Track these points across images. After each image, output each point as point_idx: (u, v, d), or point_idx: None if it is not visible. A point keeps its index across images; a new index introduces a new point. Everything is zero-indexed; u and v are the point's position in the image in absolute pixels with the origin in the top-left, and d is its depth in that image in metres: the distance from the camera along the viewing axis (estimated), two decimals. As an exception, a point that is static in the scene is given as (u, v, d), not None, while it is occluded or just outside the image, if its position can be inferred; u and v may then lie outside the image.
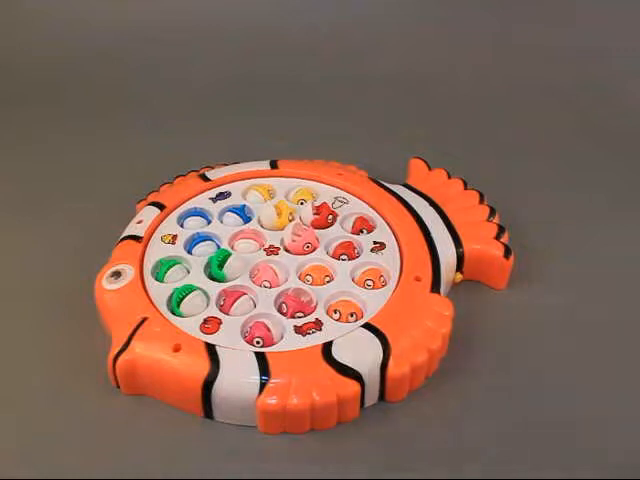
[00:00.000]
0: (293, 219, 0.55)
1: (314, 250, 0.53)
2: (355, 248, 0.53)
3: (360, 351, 0.44)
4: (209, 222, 0.56)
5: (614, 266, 0.57)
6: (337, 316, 0.47)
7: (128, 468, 0.42)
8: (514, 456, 0.43)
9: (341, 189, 0.59)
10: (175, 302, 0.48)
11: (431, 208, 0.57)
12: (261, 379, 0.43)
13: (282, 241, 0.53)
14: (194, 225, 0.56)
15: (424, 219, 0.56)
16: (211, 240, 0.54)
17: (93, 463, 0.42)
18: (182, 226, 0.56)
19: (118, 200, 0.62)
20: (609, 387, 0.47)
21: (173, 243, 0.54)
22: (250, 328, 0.46)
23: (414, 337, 0.46)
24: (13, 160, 0.72)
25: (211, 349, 0.44)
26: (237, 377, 0.43)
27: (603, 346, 0.50)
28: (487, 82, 0.86)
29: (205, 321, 0.47)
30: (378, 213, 0.57)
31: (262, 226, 0.55)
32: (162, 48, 0.90)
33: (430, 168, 0.63)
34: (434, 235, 0.54)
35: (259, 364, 0.43)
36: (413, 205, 0.57)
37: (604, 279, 0.56)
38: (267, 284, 0.50)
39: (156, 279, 0.50)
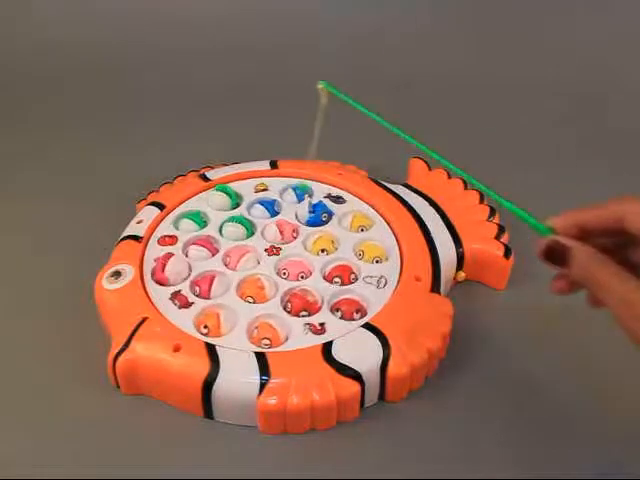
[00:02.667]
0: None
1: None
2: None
3: (360, 351, 0.44)
4: (300, 201, 0.57)
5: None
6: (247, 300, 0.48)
7: (128, 468, 0.42)
8: (514, 456, 0.43)
9: (341, 189, 0.59)
10: (185, 216, 0.55)
11: (431, 208, 0.57)
12: (261, 379, 0.43)
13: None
14: (290, 196, 0.58)
15: (424, 219, 0.56)
16: (269, 211, 0.56)
17: (93, 463, 0.42)
18: (283, 194, 0.59)
19: (118, 200, 0.62)
20: (610, 386, 0.47)
21: (257, 192, 0.58)
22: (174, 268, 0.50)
23: (414, 337, 0.46)
24: (13, 160, 0.72)
25: (211, 349, 0.44)
26: (237, 377, 0.43)
27: (603, 346, 0.50)
28: (488, 83, 0.86)
29: (164, 237, 0.54)
30: (378, 213, 0.57)
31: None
32: (163, 48, 0.90)
33: (430, 168, 0.63)
34: (434, 235, 0.54)
35: (259, 364, 0.43)
36: (413, 205, 0.57)
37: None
38: (227, 260, 0.52)
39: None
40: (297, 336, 0.46)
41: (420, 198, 0.58)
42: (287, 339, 0.46)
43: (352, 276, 0.50)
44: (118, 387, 0.46)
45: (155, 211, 0.56)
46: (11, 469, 0.42)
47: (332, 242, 0.53)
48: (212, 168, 0.63)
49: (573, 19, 0.89)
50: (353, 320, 0.47)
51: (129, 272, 0.50)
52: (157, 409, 0.45)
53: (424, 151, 0.45)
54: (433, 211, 0.57)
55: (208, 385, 0.43)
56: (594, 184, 0.67)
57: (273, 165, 0.62)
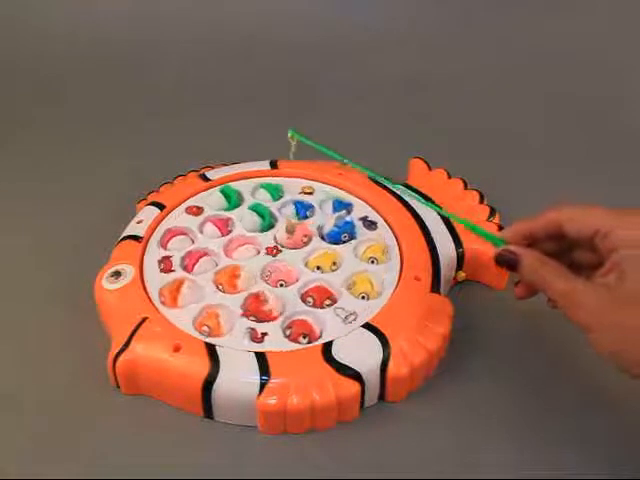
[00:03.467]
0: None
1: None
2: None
3: (360, 351, 0.44)
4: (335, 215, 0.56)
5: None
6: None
7: (128, 468, 0.42)
8: (514, 456, 0.43)
9: (341, 189, 0.59)
10: (224, 189, 0.57)
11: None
12: (261, 379, 0.43)
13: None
14: (328, 207, 0.57)
15: (424, 219, 0.56)
16: (298, 213, 0.56)
17: (93, 463, 0.42)
18: (323, 204, 0.58)
19: (118, 200, 0.62)
20: (611, 386, 0.47)
21: (300, 194, 0.59)
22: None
23: (414, 337, 0.46)
24: (13, 160, 0.72)
25: (211, 349, 0.44)
26: (237, 377, 0.43)
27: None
28: (487, 83, 0.86)
29: (193, 207, 0.57)
30: (378, 213, 0.57)
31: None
32: (162, 48, 0.90)
33: (430, 168, 0.63)
34: (434, 235, 0.54)
35: (259, 364, 0.43)
36: (413, 205, 0.57)
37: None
38: (229, 245, 0.53)
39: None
40: (235, 335, 0.46)
41: (420, 198, 0.58)
42: (226, 334, 0.46)
43: (327, 302, 0.48)
44: (118, 387, 0.46)
45: (155, 211, 0.56)
46: (11, 469, 0.42)
47: (333, 263, 0.51)
48: (212, 168, 0.63)
49: (575, 19, 0.89)
50: (297, 343, 0.45)
51: (129, 272, 0.50)
52: (157, 409, 0.45)
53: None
54: (433, 211, 0.57)
55: (208, 385, 0.43)
56: (598, 185, 0.68)
57: (273, 165, 0.62)
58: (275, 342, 0.45)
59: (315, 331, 0.46)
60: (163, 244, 0.53)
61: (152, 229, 0.55)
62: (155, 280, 0.50)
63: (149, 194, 0.60)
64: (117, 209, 0.60)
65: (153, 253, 0.52)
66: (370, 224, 0.56)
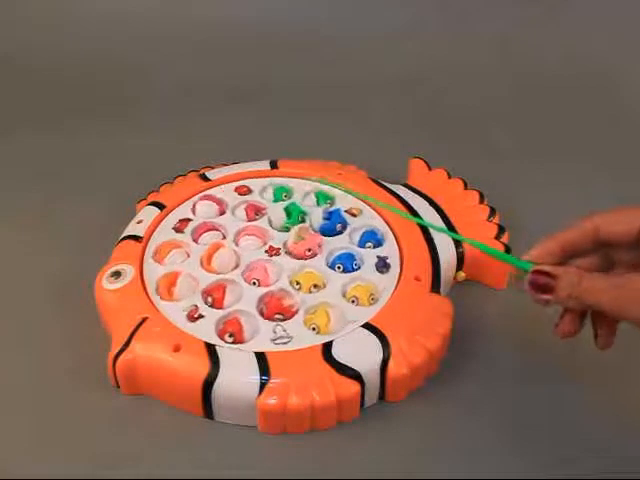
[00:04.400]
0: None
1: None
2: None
3: (360, 351, 0.44)
4: (360, 246, 0.53)
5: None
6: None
7: (128, 468, 0.42)
8: (514, 456, 0.43)
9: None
10: (275, 185, 0.60)
11: (431, 208, 0.57)
12: (261, 379, 0.43)
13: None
14: (357, 237, 0.55)
15: (424, 219, 0.56)
16: (327, 224, 0.55)
17: (93, 463, 0.42)
18: (354, 232, 0.55)
19: (118, 200, 0.62)
20: (609, 386, 0.47)
21: (346, 212, 0.57)
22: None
23: (414, 337, 0.46)
24: (13, 160, 0.72)
25: (211, 349, 0.44)
26: (237, 377, 0.43)
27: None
28: (487, 83, 0.86)
29: (242, 186, 0.60)
30: (378, 213, 0.57)
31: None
32: (162, 47, 0.90)
33: (430, 168, 0.63)
34: (434, 235, 0.54)
35: (259, 364, 0.43)
36: (413, 205, 0.57)
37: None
38: (242, 232, 0.54)
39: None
40: (175, 307, 0.47)
41: (420, 198, 0.58)
42: (171, 299, 0.48)
43: (278, 316, 0.47)
44: (118, 387, 0.46)
45: (155, 211, 0.56)
46: (11, 469, 0.42)
47: (314, 285, 0.49)
48: (212, 168, 0.63)
49: (576, 19, 0.89)
50: (221, 339, 0.45)
51: (129, 272, 0.50)
52: (157, 409, 0.45)
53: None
54: (433, 211, 0.57)
55: (208, 385, 0.43)
56: (598, 185, 0.68)
57: (273, 165, 0.62)
58: (202, 328, 0.46)
59: (243, 334, 0.46)
60: (193, 208, 0.57)
61: (152, 229, 0.55)
62: (155, 280, 0.50)
63: (149, 194, 0.60)
64: (117, 209, 0.60)
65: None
66: (383, 265, 0.52)
